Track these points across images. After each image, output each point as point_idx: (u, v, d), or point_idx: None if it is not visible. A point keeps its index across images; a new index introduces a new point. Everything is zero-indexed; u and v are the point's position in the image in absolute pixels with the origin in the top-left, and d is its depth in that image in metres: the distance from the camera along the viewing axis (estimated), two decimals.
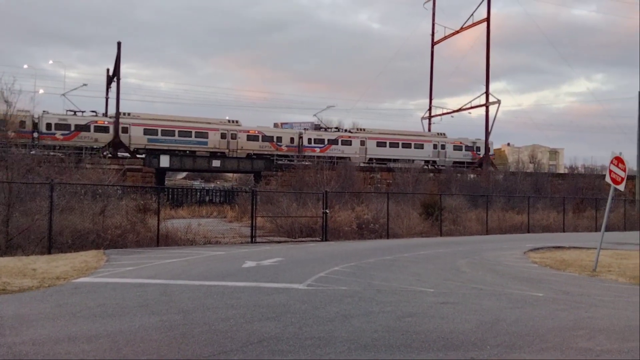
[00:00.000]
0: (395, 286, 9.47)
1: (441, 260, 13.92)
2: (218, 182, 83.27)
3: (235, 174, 70.29)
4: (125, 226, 16.64)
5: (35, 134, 41.34)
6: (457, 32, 59.58)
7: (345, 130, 52.69)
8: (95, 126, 43.78)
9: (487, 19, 55.46)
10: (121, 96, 44.01)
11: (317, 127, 53.91)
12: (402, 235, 23.21)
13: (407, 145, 52.05)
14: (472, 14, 57.17)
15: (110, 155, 42.50)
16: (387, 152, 51.28)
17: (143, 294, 8.27)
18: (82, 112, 44.62)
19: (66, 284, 9.18)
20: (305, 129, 52.05)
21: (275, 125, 53.33)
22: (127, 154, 44.07)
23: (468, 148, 54.69)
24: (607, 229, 15.74)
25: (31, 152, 29.23)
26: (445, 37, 61.68)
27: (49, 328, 6.06)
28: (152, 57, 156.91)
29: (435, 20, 63.20)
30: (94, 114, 45.11)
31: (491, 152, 57.46)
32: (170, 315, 6.76)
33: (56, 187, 15.72)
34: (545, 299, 8.57)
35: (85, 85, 53.44)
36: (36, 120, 41.63)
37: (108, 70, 47.26)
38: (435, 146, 53.11)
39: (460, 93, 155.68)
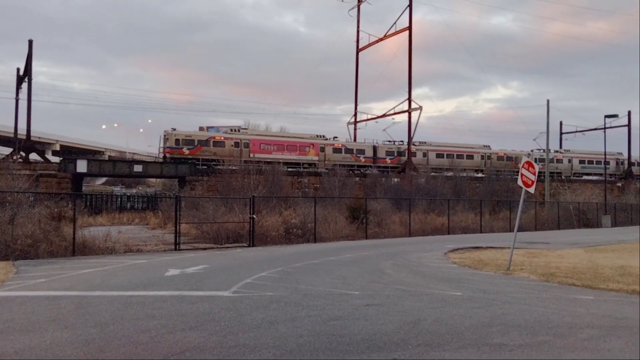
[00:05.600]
0: (322, 290, 9.53)
1: (366, 263, 14.18)
2: (140, 188, 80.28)
3: (158, 179, 67.92)
4: (37, 235, 15.65)
5: None
6: (381, 39, 61.21)
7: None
8: None
9: (409, 28, 57.36)
10: (33, 97, 41.43)
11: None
12: (329, 239, 23.45)
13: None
14: (394, 23, 58.96)
15: (21, 159, 39.81)
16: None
17: (55, 307, 7.79)
18: None
19: None
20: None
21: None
22: (40, 159, 41.46)
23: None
24: (520, 229, 16.72)
25: None
26: (370, 44, 63.17)
27: None
28: (64, 54, 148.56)
29: (360, 27, 64.71)
30: None
31: None
32: (86, 328, 6.41)
33: None
34: (463, 297, 8.94)
35: None
36: None
37: (18, 69, 44.38)
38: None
39: (385, 98, 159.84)
